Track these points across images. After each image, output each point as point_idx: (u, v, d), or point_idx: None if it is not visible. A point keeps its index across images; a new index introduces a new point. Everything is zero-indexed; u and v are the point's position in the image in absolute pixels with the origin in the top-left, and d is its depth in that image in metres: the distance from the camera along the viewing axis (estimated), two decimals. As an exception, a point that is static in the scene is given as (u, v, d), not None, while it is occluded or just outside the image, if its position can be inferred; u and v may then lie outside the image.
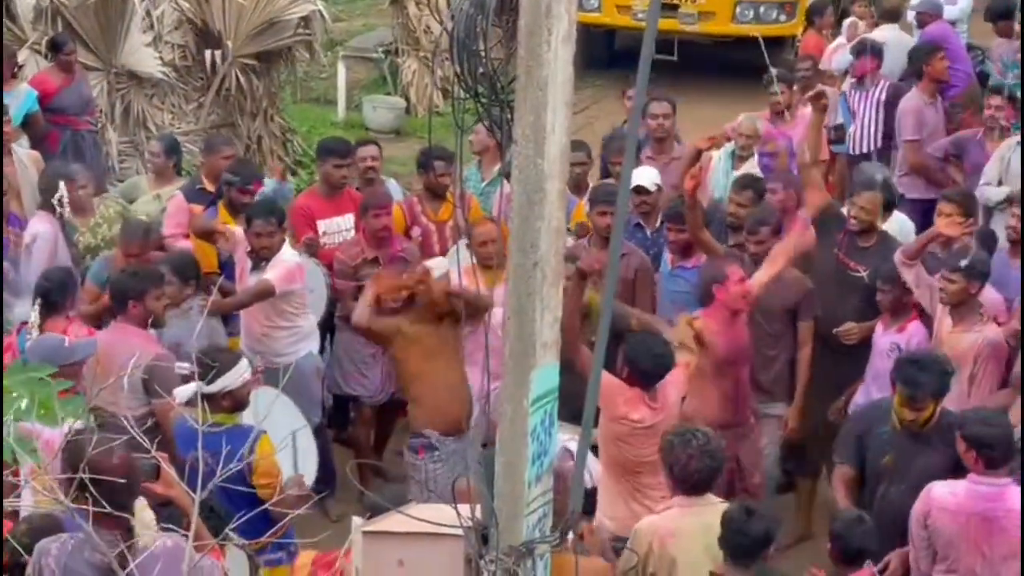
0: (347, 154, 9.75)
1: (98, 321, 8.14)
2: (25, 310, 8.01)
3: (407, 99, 16.01)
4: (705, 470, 6.26)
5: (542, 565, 4.06)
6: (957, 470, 6.58)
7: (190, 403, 6.49)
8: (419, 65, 16.07)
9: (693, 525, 6.20)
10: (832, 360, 8.42)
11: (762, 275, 8.02)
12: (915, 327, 8.12)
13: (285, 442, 6.97)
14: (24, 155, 10.16)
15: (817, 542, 7.69)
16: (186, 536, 3.93)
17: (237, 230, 8.73)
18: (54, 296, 7.79)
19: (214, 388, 6.66)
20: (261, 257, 8.50)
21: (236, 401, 6.78)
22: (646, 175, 9.38)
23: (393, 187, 10.21)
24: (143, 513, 4.79)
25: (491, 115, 3.99)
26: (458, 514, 4.02)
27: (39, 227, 9.05)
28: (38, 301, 7.77)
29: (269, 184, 9.94)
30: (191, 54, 12.88)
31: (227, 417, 6.71)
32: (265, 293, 8.39)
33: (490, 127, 4.02)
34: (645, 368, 7.06)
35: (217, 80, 12.87)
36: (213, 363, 6.70)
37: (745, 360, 7.91)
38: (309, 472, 7.44)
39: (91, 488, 4.36)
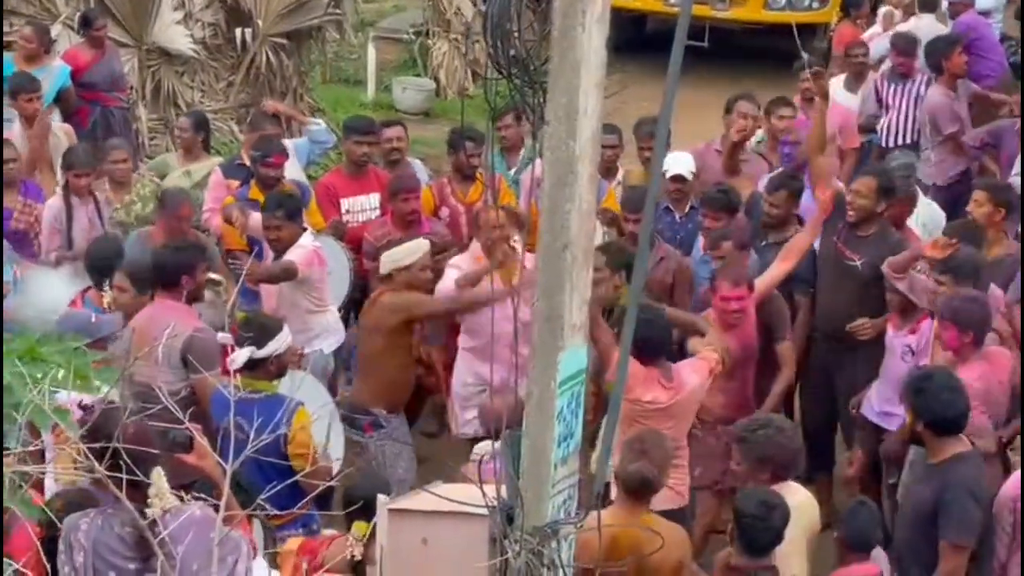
0: (368, 131, 9.76)
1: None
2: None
3: (437, 81, 16.00)
4: (801, 456, 6.51)
5: (567, 546, 4.06)
6: None
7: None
8: (449, 47, 16.06)
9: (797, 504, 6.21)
10: (832, 354, 8.38)
11: (773, 271, 8.02)
12: (927, 326, 8.02)
13: (320, 414, 7.01)
14: (58, 128, 10.23)
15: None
16: (216, 507, 3.94)
17: (255, 216, 8.75)
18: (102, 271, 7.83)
19: (265, 352, 6.77)
20: (274, 249, 8.53)
21: (282, 366, 6.85)
22: (683, 162, 9.35)
23: (418, 168, 10.22)
24: (159, 482, 4.83)
25: (523, 96, 3.99)
26: (483, 494, 4.02)
27: (58, 204, 9.12)
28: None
29: (301, 143, 10.01)
30: (222, 32, 12.91)
31: (267, 385, 6.75)
32: (290, 272, 8.36)
33: (523, 108, 4.02)
34: (642, 341, 6.77)
35: (247, 59, 12.91)
36: (262, 328, 6.80)
37: (752, 361, 7.93)
38: (337, 451, 7.43)
39: (121, 457, 4.38)
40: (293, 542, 6.09)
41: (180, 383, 7.14)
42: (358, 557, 5.59)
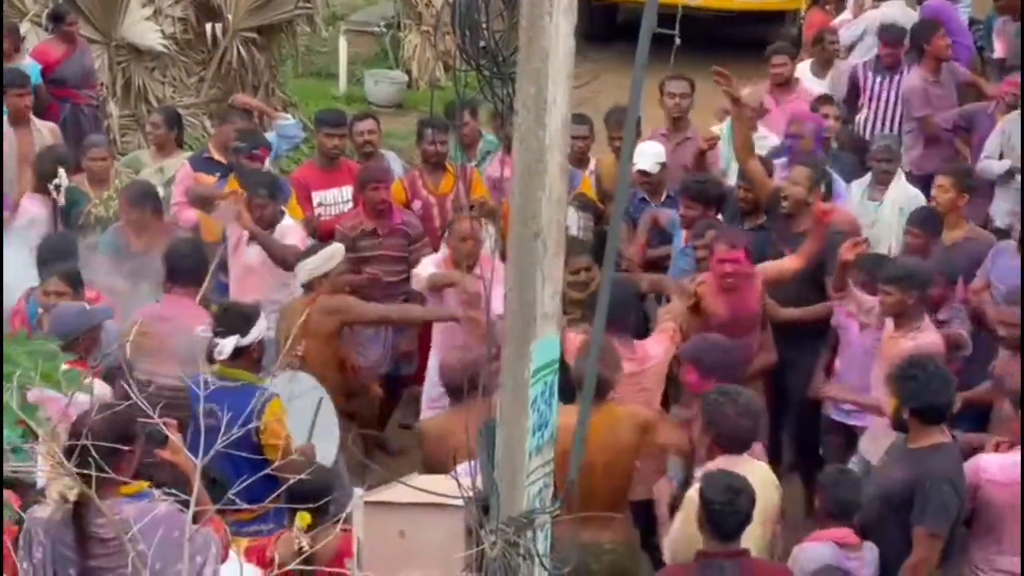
0: (339, 123, 9.78)
1: None
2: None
3: (409, 73, 15.99)
4: (749, 429, 6.42)
5: (543, 536, 4.07)
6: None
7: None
8: (421, 39, 16.05)
9: None
10: (785, 343, 8.30)
11: (784, 263, 8.06)
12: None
13: (305, 412, 7.03)
14: (43, 126, 10.19)
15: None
16: (186, 504, 3.92)
17: (225, 204, 8.74)
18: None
19: (249, 340, 6.78)
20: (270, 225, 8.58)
21: (262, 353, 6.84)
22: (650, 154, 9.37)
23: (393, 160, 10.23)
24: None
25: (492, 87, 4.00)
26: (459, 485, 4.03)
27: (35, 210, 9.07)
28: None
29: (271, 136, 10.02)
30: (192, 27, 12.85)
31: (246, 375, 6.74)
32: (294, 255, 8.41)
33: (492, 99, 4.02)
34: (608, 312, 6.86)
35: (218, 54, 12.86)
36: (243, 317, 6.81)
37: (751, 329, 7.88)
38: (328, 450, 7.27)
39: (91, 455, 4.36)
40: (240, 542, 6.06)
41: (178, 382, 7.10)
42: (305, 548, 5.59)
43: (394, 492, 4.29)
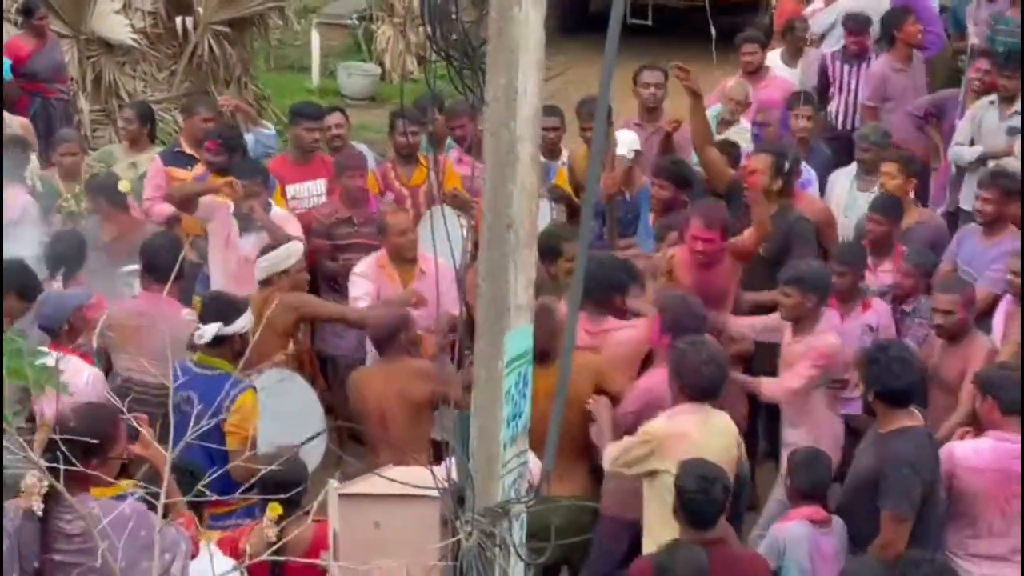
0: (318, 117, 9.78)
1: None
2: None
3: (382, 65, 15.97)
4: (715, 378, 6.49)
5: (518, 525, 4.08)
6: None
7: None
8: (393, 31, 16.03)
9: (702, 428, 6.42)
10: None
11: (745, 236, 8.07)
12: (878, 303, 8.12)
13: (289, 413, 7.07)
14: (14, 120, 10.15)
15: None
16: (156, 497, 3.91)
17: (210, 199, 8.72)
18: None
19: (232, 329, 6.79)
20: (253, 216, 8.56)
21: (244, 345, 6.80)
22: (624, 142, 9.38)
23: (364, 152, 10.21)
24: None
25: (463, 78, 3.99)
26: (434, 476, 4.04)
27: (23, 199, 9.04)
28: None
29: (249, 138, 9.97)
30: (162, 21, 12.82)
31: (225, 364, 6.76)
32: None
33: (462, 90, 4.02)
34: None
35: (189, 47, 12.82)
36: (229, 305, 6.84)
37: (720, 305, 7.87)
38: (312, 458, 7.10)
39: (59, 448, 4.35)
40: (212, 534, 6.05)
41: (155, 377, 7.09)
42: (273, 539, 5.59)
43: (369, 483, 4.30)
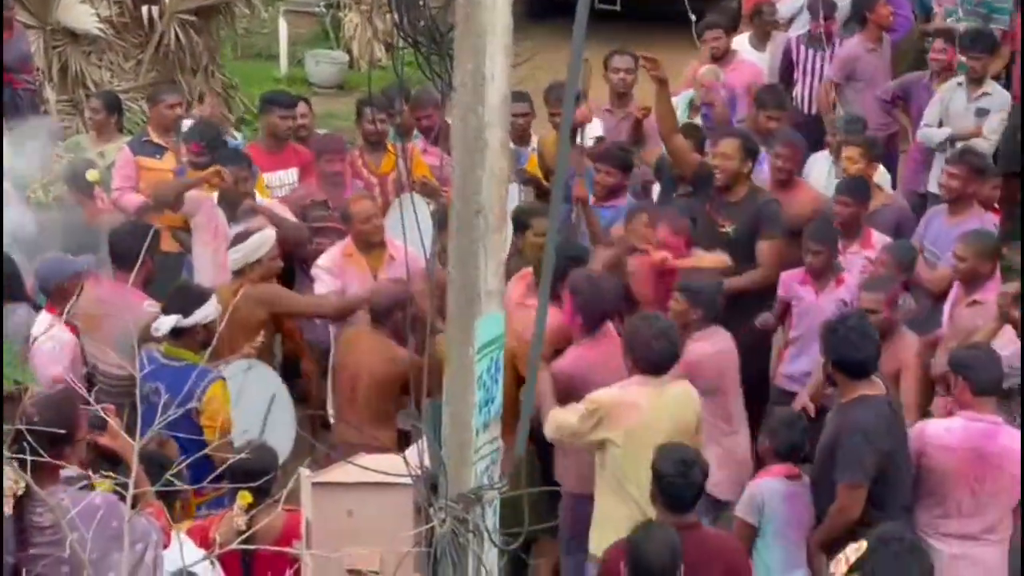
0: (292, 105, 9.78)
1: None
2: None
3: (350, 53, 15.92)
4: (665, 352, 6.56)
5: (491, 511, 4.08)
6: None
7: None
8: (361, 19, 15.97)
9: (654, 400, 6.50)
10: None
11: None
12: (850, 278, 8.18)
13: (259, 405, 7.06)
14: None
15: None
16: (124, 489, 3.89)
17: (193, 193, 8.70)
18: None
19: (191, 320, 6.78)
20: (238, 203, 8.52)
21: (209, 335, 6.75)
22: (588, 129, 9.40)
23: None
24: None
25: (431, 65, 3.98)
26: (407, 463, 4.03)
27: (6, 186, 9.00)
28: None
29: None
30: (128, 10, 12.70)
31: (190, 355, 6.74)
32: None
33: (430, 77, 4.01)
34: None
35: (156, 37, 12.74)
36: (188, 296, 6.82)
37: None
38: (282, 448, 7.08)
39: (25, 439, 4.33)
40: (185, 524, 6.04)
41: (120, 368, 7.04)
42: (243, 528, 5.59)
43: (342, 472, 4.29)
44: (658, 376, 6.58)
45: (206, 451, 5.14)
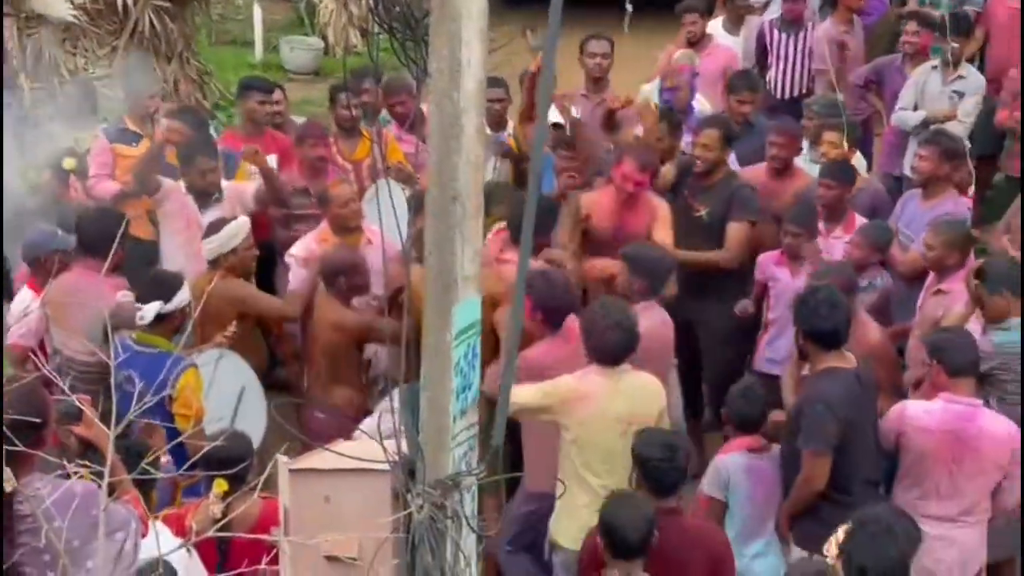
0: (269, 90, 9.78)
1: None
2: None
3: (325, 39, 15.88)
4: (622, 343, 6.57)
5: (469, 497, 4.08)
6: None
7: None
8: (336, 4, 15.93)
9: (609, 389, 6.53)
10: (694, 307, 8.37)
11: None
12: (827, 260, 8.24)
13: (230, 393, 7.05)
14: None
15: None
16: (99, 477, 3.87)
17: (167, 182, 8.69)
18: None
19: (172, 306, 6.82)
20: (209, 193, 8.49)
21: (184, 319, 6.82)
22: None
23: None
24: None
25: (406, 50, 3.97)
26: (384, 449, 4.03)
27: None
28: None
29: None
30: (102, -3, 12.68)
31: (164, 342, 6.76)
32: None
33: (406, 62, 4.00)
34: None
35: (130, 23, 12.68)
36: (166, 283, 6.87)
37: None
38: (255, 436, 7.11)
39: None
40: (164, 514, 6.02)
41: (91, 355, 7.05)
42: (219, 516, 5.59)
43: (319, 458, 4.28)
44: (614, 366, 6.59)
45: (181, 439, 5.12)
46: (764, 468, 6.76)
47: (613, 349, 6.57)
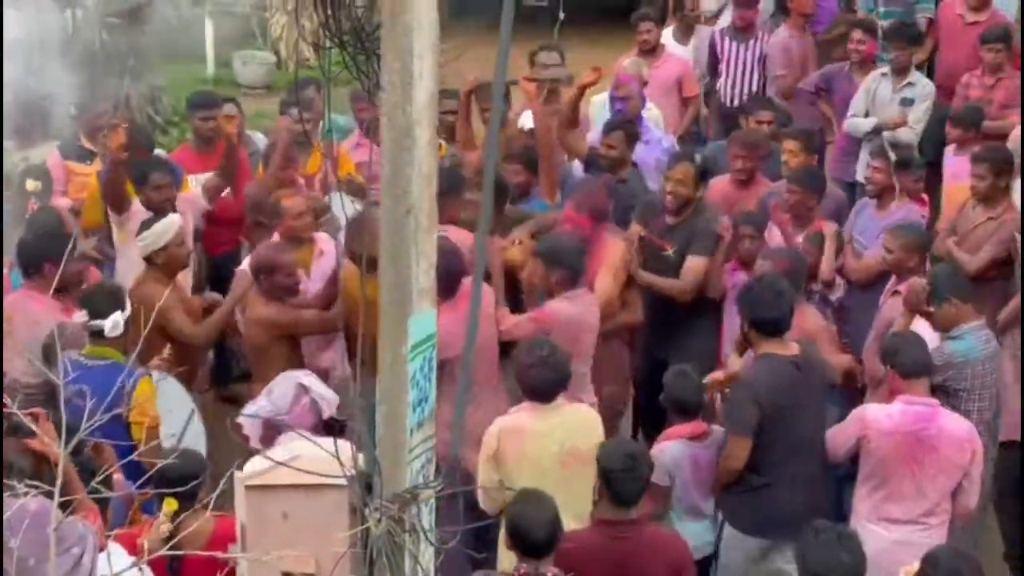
0: (212, 105, 9.70)
1: None
2: None
3: (277, 54, 15.86)
4: (549, 380, 6.59)
5: (427, 511, 4.07)
6: None
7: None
8: (288, 19, 15.91)
9: (540, 424, 6.55)
10: (663, 339, 8.42)
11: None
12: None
13: (177, 419, 7.02)
14: None
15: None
16: (51, 493, 3.83)
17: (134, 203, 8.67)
18: None
19: (127, 314, 6.80)
20: (163, 209, 8.45)
21: (135, 331, 6.76)
22: (522, 120, 9.45)
23: (260, 141, 10.19)
24: None
25: (357, 64, 3.96)
26: (341, 464, 4.01)
27: None
28: None
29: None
30: (53, 14, 12.61)
31: (114, 353, 6.72)
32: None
33: (357, 76, 3.99)
34: None
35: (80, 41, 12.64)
36: (116, 295, 6.86)
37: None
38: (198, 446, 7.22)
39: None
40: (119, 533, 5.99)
41: (40, 377, 7.00)
42: (166, 534, 5.55)
43: (275, 474, 4.25)
44: (546, 403, 6.60)
45: (133, 456, 5.08)
46: (704, 456, 6.89)
47: (541, 386, 6.60)
